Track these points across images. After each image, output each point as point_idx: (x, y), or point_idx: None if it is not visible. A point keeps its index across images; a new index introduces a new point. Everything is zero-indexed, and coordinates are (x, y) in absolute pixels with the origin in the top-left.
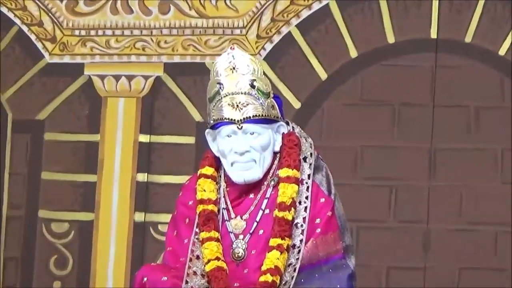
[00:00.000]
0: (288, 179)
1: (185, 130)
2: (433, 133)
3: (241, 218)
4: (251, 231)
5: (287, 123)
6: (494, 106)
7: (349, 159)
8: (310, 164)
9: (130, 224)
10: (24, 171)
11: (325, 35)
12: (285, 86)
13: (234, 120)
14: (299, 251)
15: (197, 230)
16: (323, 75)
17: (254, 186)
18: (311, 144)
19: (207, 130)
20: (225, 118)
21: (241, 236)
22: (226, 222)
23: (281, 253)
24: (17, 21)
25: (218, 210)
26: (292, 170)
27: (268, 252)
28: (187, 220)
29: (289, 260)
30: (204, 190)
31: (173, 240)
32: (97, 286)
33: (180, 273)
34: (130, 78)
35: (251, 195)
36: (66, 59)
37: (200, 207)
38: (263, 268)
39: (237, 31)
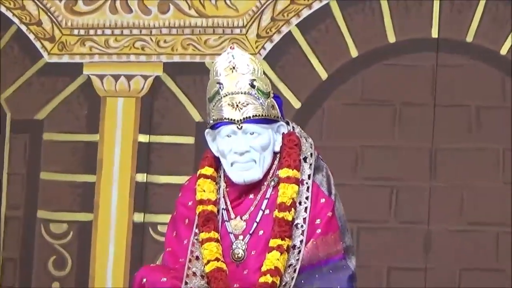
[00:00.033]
0: (288, 180)
1: (184, 130)
2: (434, 133)
3: (241, 218)
4: (251, 232)
5: (287, 123)
6: (495, 105)
7: (350, 159)
8: (310, 165)
9: (129, 224)
10: (22, 171)
11: (326, 34)
12: (285, 86)
13: (234, 120)
14: (299, 251)
15: (196, 230)
16: (324, 75)
17: (254, 187)
18: (311, 144)
19: (206, 130)
20: (225, 118)
21: (241, 237)
22: (226, 222)
23: (281, 254)
24: (16, 20)
25: (218, 211)
26: (292, 170)
27: (268, 253)
28: (186, 221)
29: (289, 261)
30: (204, 191)
31: (173, 240)
32: (96, 286)
33: (179, 274)
34: (129, 77)
35: (251, 196)
36: (65, 59)
37: (200, 208)
38: (263, 269)
39: (237, 31)
